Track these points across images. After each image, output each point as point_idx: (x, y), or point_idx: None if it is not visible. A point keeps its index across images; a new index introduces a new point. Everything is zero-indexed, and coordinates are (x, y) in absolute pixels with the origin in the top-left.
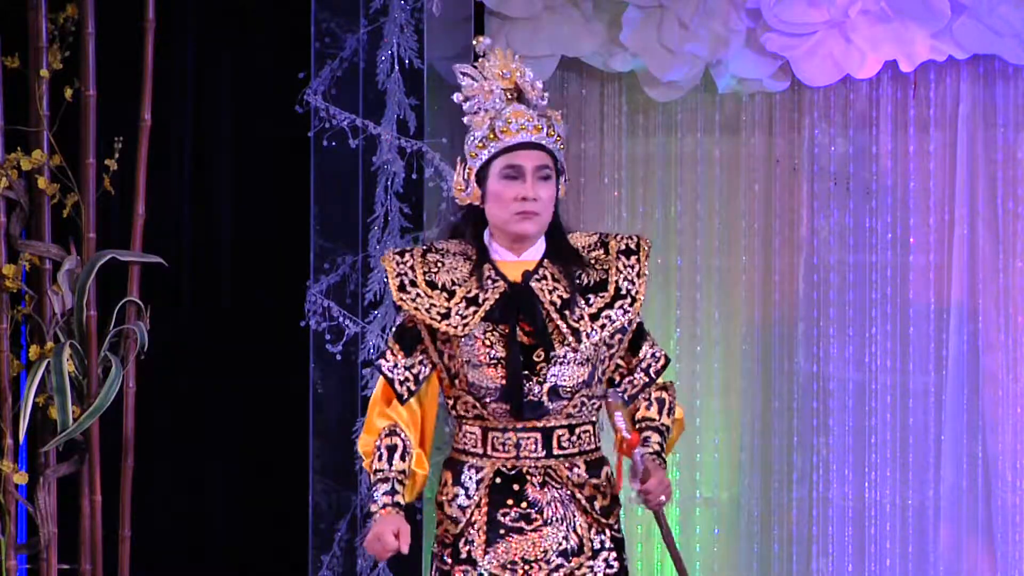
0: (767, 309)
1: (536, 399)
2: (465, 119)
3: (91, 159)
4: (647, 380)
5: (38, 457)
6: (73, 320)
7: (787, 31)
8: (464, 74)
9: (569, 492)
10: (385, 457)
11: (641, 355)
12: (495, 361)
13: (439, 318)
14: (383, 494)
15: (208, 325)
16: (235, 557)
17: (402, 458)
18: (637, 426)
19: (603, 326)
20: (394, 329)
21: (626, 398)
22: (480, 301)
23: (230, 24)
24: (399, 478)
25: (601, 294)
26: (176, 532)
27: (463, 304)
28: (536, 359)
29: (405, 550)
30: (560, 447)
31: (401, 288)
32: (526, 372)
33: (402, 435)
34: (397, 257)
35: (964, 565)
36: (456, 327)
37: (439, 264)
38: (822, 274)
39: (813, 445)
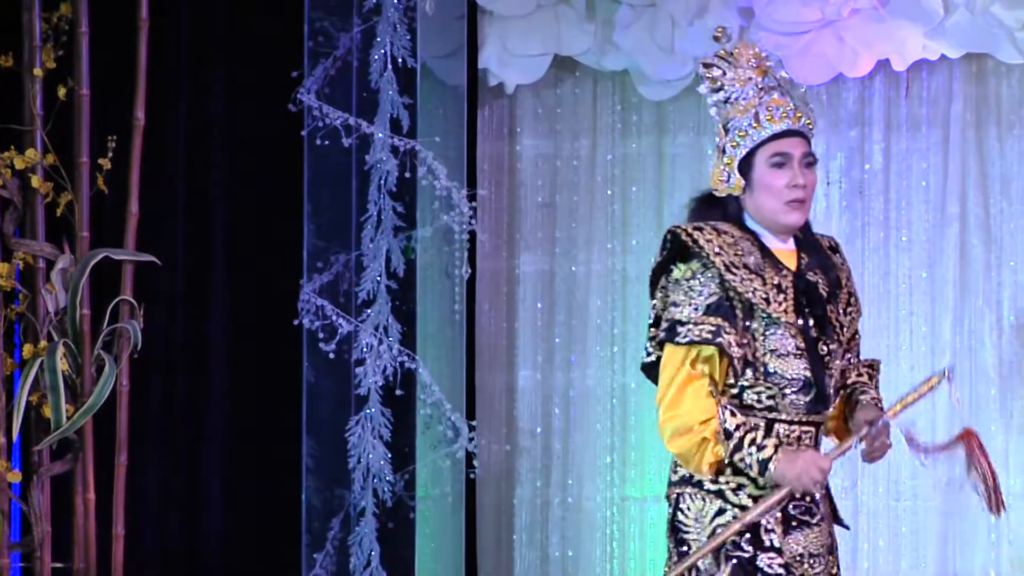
0: None
1: (829, 392)
2: (713, 111)
3: (85, 158)
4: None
5: (32, 455)
6: (66, 319)
7: (780, 30)
8: (711, 66)
9: (827, 488)
10: (736, 413)
11: (855, 351)
12: (799, 352)
13: (765, 302)
14: (764, 437)
15: (201, 323)
16: (228, 555)
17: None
18: (850, 390)
19: (850, 321)
20: (706, 305)
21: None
22: (784, 288)
23: (223, 23)
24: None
25: (842, 292)
26: (169, 530)
27: (774, 290)
28: (822, 352)
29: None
30: (818, 443)
31: (728, 268)
32: (820, 364)
33: (719, 398)
34: (699, 233)
35: None
36: (780, 313)
37: (736, 246)
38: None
39: None
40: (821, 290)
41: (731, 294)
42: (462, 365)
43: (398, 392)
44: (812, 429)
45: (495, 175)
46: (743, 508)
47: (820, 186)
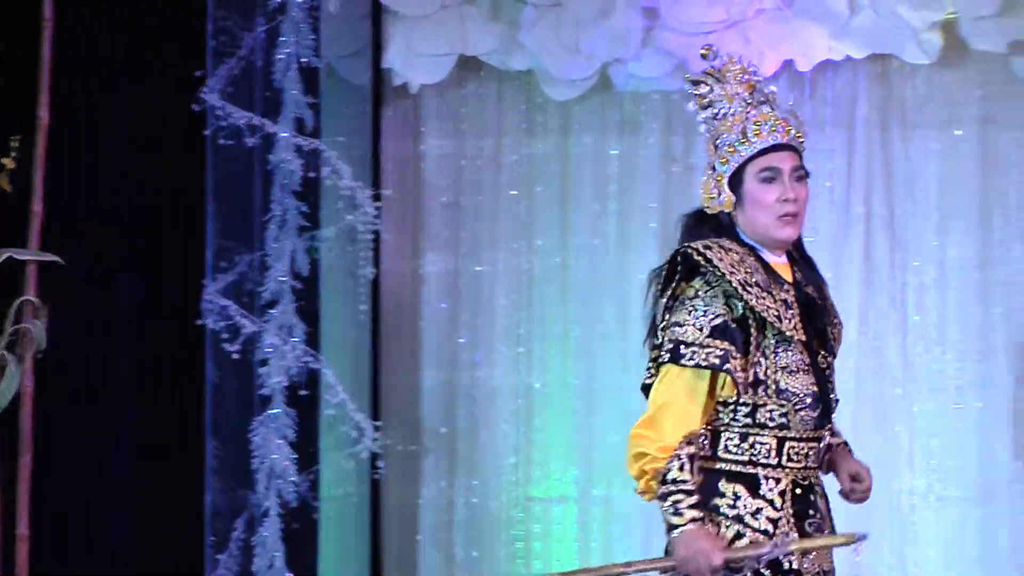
0: None
1: (832, 407)
2: (702, 128)
3: None
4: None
5: None
6: None
7: (685, 31)
8: (698, 82)
9: (827, 503)
10: (688, 467)
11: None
12: (807, 367)
13: (777, 319)
14: (688, 507)
15: (105, 324)
16: (132, 555)
17: (698, 471)
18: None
19: (839, 332)
20: (711, 326)
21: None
22: (790, 304)
23: (128, 22)
24: (698, 492)
25: (827, 302)
26: (74, 531)
27: (783, 307)
28: (822, 365)
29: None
30: (819, 459)
31: (744, 286)
32: (823, 379)
33: (699, 445)
34: (710, 252)
35: None
36: (791, 330)
37: (741, 263)
38: None
39: None
40: (817, 303)
41: (746, 313)
42: (367, 365)
43: (302, 392)
44: (816, 445)
45: (400, 175)
46: (764, 533)
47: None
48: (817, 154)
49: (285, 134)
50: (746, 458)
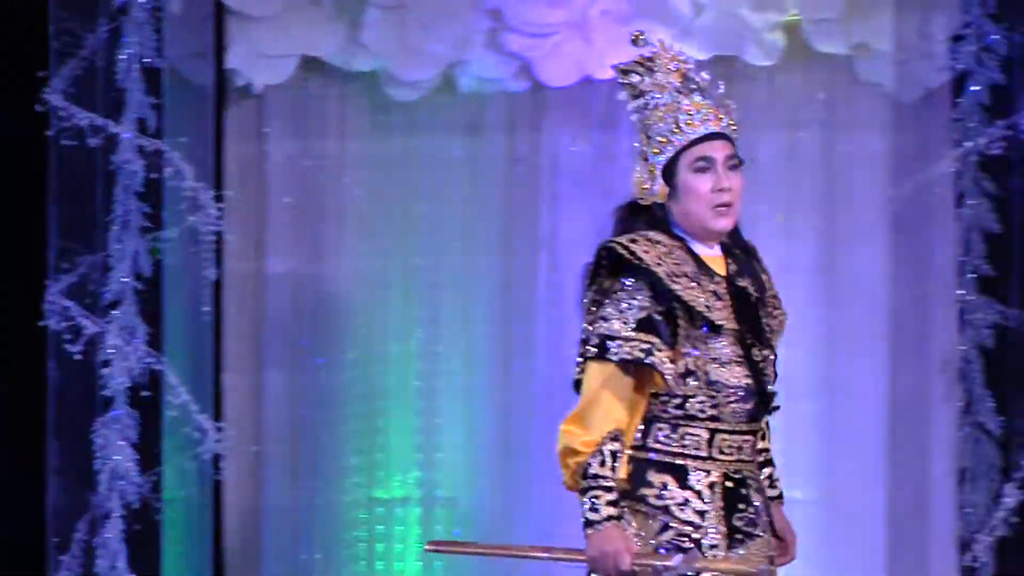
0: (507, 309)
1: (767, 399)
2: (633, 118)
3: None
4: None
5: None
6: None
7: (528, 31)
8: (628, 71)
9: (765, 498)
10: (609, 463)
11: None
12: (740, 359)
13: (706, 310)
14: (606, 503)
15: None
16: None
17: (621, 467)
18: (760, 457)
19: (779, 323)
20: (637, 319)
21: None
22: (720, 295)
23: None
24: (619, 488)
25: (766, 294)
26: None
27: (713, 297)
28: (756, 358)
29: (630, 570)
30: (756, 452)
31: (671, 278)
32: (758, 371)
33: (624, 441)
34: (635, 245)
35: None
36: (721, 322)
37: (669, 255)
38: (562, 275)
39: (553, 446)
40: (751, 295)
41: (674, 304)
42: (209, 366)
43: (145, 394)
44: (751, 438)
45: (243, 176)
46: (691, 524)
47: (568, 188)
48: None
49: (128, 135)
50: (676, 449)
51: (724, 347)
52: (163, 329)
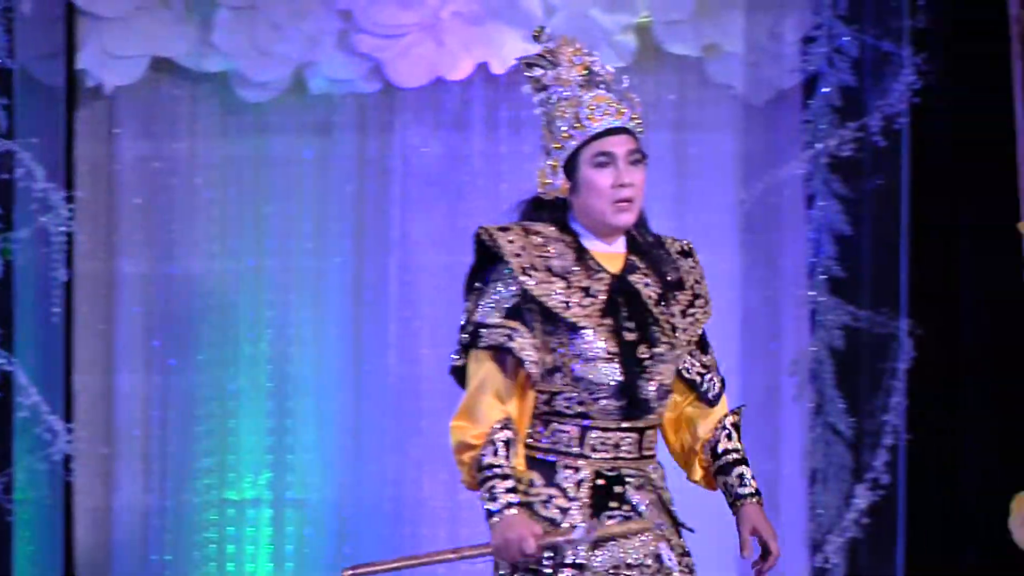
0: (359, 310)
1: (645, 396)
2: (538, 111)
3: None
4: (721, 384)
5: None
6: None
7: (379, 32)
8: (532, 64)
9: (657, 494)
10: (503, 453)
11: (711, 355)
12: (610, 356)
13: (563, 306)
14: (504, 491)
15: None
16: None
17: (516, 454)
18: (723, 459)
19: (691, 323)
20: (505, 308)
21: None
22: (593, 292)
23: None
24: (517, 475)
25: (683, 292)
26: None
27: (579, 294)
28: (641, 356)
29: (541, 554)
30: (647, 448)
31: (524, 271)
32: (635, 369)
33: (515, 429)
34: (503, 234)
35: None
36: (580, 317)
37: (545, 248)
38: (413, 275)
39: (405, 446)
40: (648, 292)
41: (529, 297)
42: (60, 367)
43: None
44: (634, 435)
45: (94, 176)
46: (551, 522)
47: (419, 188)
48: (513, 156)
49: None
50: (547, 445)
51: (591, 344)
52: (13, 330)
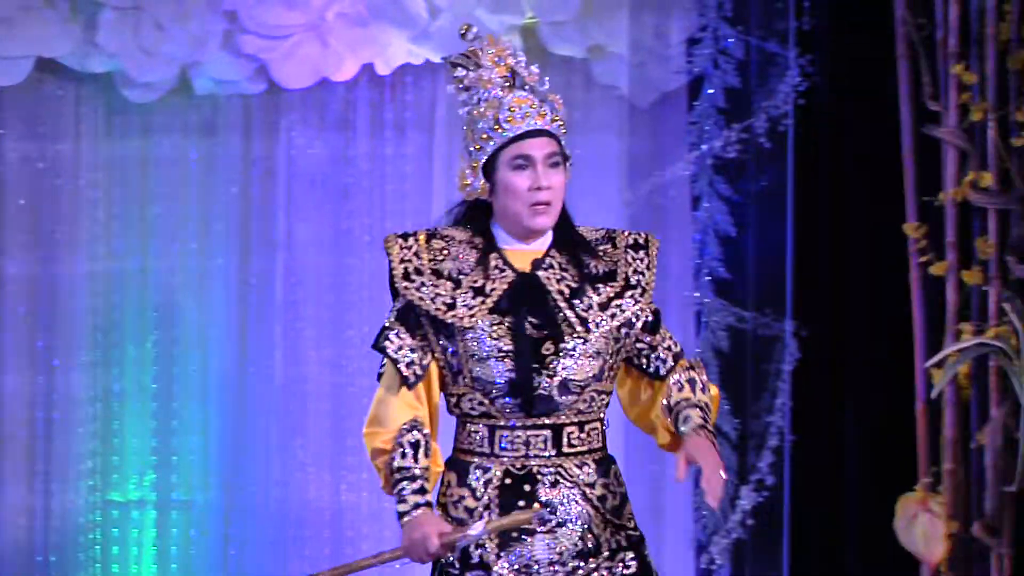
0: (244, 311)
1: (546, 393)
2: (462, 111)
3: None
4: (674, 357)
5: None
6: None
7: (264, 33)
8: (456, 64)
9: (581, 492)
10: (410, 454)
11: (661, 334)
12: (503, 354)
13: (444, 308)
14: (413, 492)
15: None
16: None
17: (426, 455)
18: (675, 410)
19: (613, 315)
20: (395, 311)
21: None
22: (487, 292)
23: None
24: (426, 475)
25: (611, 284)
26: None
27: (469, 294)
28: (545, 352)
29: (447, 552)
30: (570, 445)
31: (406, 276)
32: (536, 365)
33: (424, 430)
34: (400, 240)
35: None
36: (462, 318)
37: (445, 252)
38: (299, 276)
39: (290, 448)
40: (560, 287)
41: (411, 302)
42: None
43: None
44: (546, 432)
45: None
46: (458, 522)
47: (304, 189)
48: (398, 158)
49: None
50: (465, 446)
51: (481, 343)
52: None
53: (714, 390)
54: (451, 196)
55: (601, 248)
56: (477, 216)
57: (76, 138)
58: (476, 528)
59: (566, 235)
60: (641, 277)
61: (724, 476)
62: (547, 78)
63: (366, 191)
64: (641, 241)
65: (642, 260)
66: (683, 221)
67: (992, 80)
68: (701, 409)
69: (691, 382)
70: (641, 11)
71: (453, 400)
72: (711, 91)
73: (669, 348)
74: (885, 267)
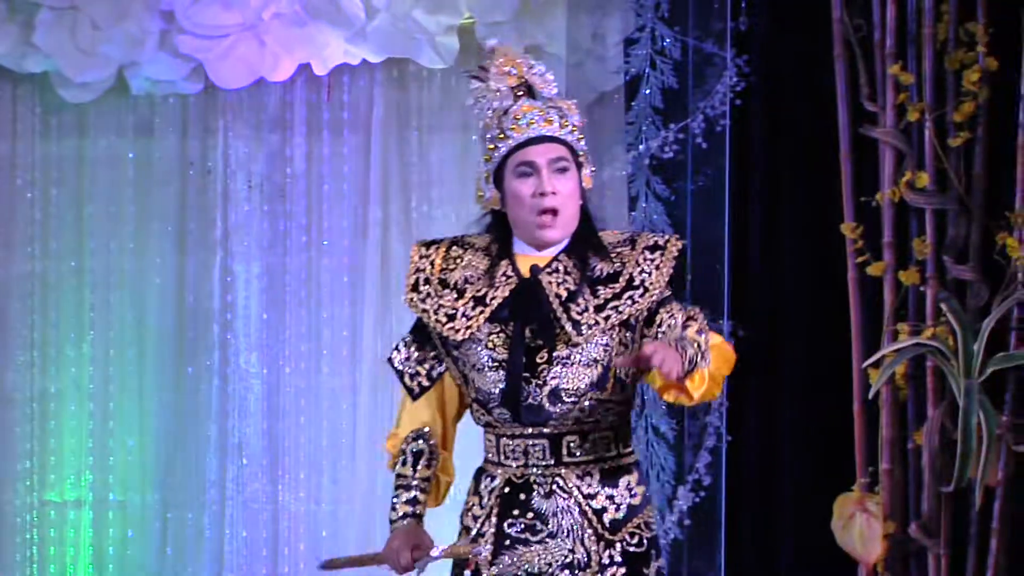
0: (181, 311)
1: (536, 403)
2: (480, 125)
3: None
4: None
5: None
6: None
7: (201, 33)
8: (472, 77)
9: (576, 503)
10: (410, 462)
11: (668, 308)
12: (496, 364)
13: (444, 320)
14: (403, 502)
15: None
16: None
17: (427, 465)
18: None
19: (607, 317)
20: (414, 322)
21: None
22: (488, 300)
23: None
24: (422, 486)
25: (611, 285)
26: None
27: (470, 304)
28: (539, 360)
29: (422, 568)
30: (570, 454)
31: (415, 287)
32: (526, 374)
33: (431, 440)
34: (422, 249)
35: None
36: (459, 330)
37: (458, 260)
38: (236, 277)
39: (228, 448)
40: (556, 290)
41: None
42: None
43: None
44: (543, 441)
45: None
46: (467, 529)
47: (241, 189)
48: (334, 158)
49: None
50: (485, 455)
51: (477, 354)
52: None
53: (716, 338)
54: (388, 196)
55: (618, 251)
56: (501, 224)
57: (12, 138)
58: (435, 551)
59: (582, 238)
60: (647, 277)
61: (679, 369)
62: (555, 83)
63: (302, 191)
64: (661, 243)
65: (653, 261)
66: (620, 221)
67: (929, 80)
68: (684, 339)
69: (685, 322)
70: (578, 11)
71: (471, 409)
72: (648, 91)
73: (673, 316)
74: (822, 267)
